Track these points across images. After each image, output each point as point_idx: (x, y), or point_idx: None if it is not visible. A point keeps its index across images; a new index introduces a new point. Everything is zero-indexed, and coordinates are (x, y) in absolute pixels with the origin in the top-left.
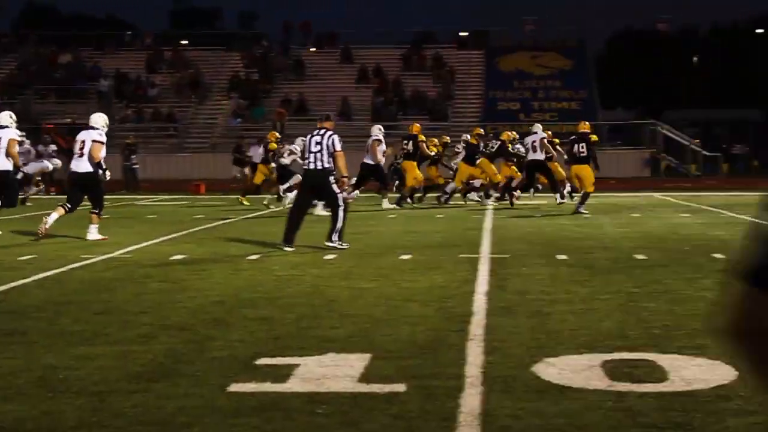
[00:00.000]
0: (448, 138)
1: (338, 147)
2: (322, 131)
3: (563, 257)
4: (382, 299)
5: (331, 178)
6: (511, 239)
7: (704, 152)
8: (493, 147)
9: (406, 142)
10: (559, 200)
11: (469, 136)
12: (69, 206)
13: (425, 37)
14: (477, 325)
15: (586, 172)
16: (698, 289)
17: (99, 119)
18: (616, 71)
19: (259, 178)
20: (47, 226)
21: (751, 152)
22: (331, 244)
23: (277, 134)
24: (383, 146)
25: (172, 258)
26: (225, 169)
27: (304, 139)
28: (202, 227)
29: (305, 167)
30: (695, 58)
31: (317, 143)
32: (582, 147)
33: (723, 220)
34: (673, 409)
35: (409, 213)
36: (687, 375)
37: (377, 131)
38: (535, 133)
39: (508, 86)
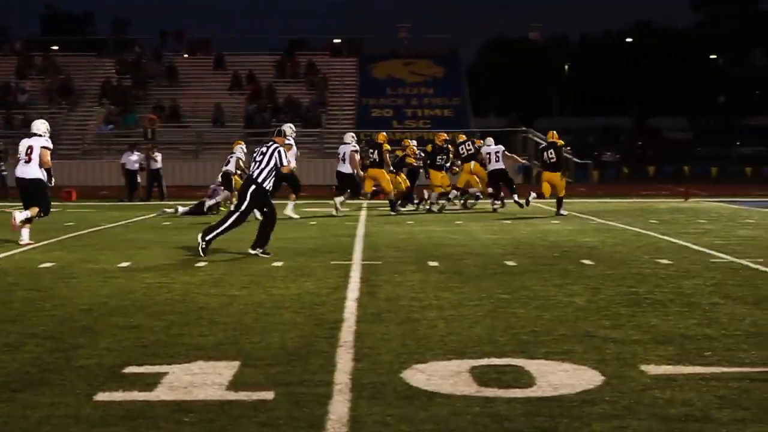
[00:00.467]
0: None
1: (284, 161)
2: (270, 144)
3: (434, 264)
4: (253, 306)
5: (253, 188)
6: (383, 246)
7: (575, 159)
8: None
9: (372, 150)
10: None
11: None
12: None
13: (299, 44)
14: (347, 332)
15: (555, 178)
16: (567, 294)
17: (41, 125)
18: (488, 79)
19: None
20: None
21: (621, 159)
22: (253, 252)
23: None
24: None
25: (40, 266)
26: (97, 175)
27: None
28: (73, 234)
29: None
30: (566, 67)
31: (261, 153)
32: (551, 154)
33: (592, 227)
34: (540, 414)
35: (281, 220)
36: (554, 380)
37: (351, 138)
38: (488, 145)
39: (382, 93)
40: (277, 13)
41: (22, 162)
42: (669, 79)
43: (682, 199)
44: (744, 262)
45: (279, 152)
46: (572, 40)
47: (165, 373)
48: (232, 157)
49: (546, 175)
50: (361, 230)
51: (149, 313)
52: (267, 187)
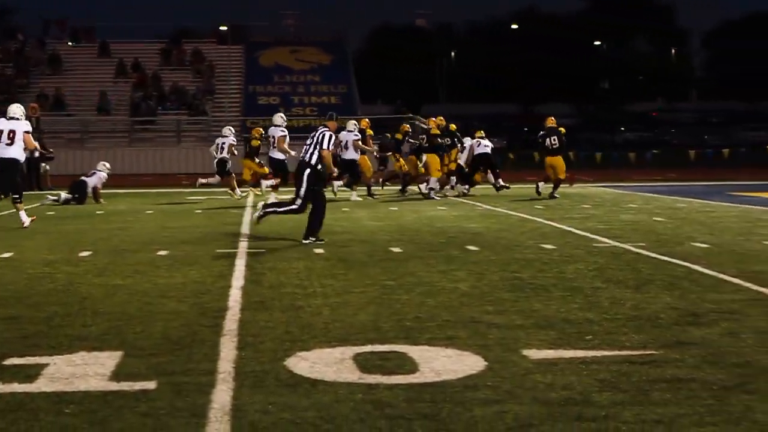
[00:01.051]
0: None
1: (324, 145)
2: (320, 128)
3: (320, 251)
4: (137, 296)
5: (308, 171)
6: (269, 234)
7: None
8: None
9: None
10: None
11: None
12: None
13: (185, 32)
14: (231, 320)
15: (559, 162)
16: (451, 280)
17: (17, 110)
18: (375, 66)
19: (246, 174)
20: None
21: (508, 146)
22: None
23: (261, 130)
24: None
25: None
26: None
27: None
28: None
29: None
30: (453, 53)
31: (311, 137)
32: (554, 140)
33: (478, 213)
34: (422, 400)
35: (167, 209)
36: (437, 366)
37: (353, 126)
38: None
39: (268, 81)
40: (162, 0)
41: (3, 144)
42: (554, 66)
43: (567, 185)
44: (626, 246)
45: (323, 135)
46: (458, 27)
47: (46, 365)
48: (224, 143)
49: (549, 159)
50: (247, 218)
51: (30, 304)
52: (321, 169)
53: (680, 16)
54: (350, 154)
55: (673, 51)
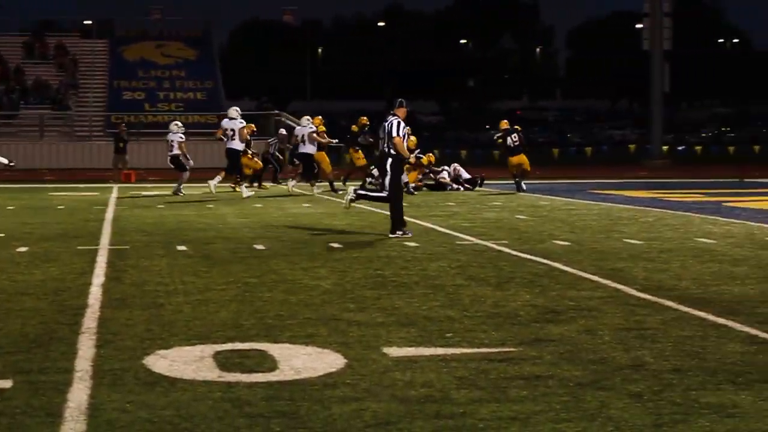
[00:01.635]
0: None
1: (394, 132)
2: (391, 117)
3: (183, 248)
4: None
5: (390, 160)
6: (131, 230)
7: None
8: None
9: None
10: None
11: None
12: None
13: (48, 25)
14: (90, 318)
15: (523, 158)
16: (314, 278)
17: None
18: (242, 61)
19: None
20: None
21: (374, 143)
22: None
23: (253, 126)
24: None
25: None
26: None
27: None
28: None
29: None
30: (320, 50)
31: (383, 128)
32: (515, 138)
33: (342, 210)
34: (281, 398)
35: (28, 204)
36: (297, 364)
37: (307, 122)
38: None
39: (133, 76)
40: None
41: None
42: (421, 63)
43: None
44: (489, 244)
45: (391, 123)
46: (326, 24)
47: None
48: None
49: (514, 158)
50: (109, 214)
51: None
52: (400, 157)
53: (545, 15)
54: (307, 148)
55: (538, 50)
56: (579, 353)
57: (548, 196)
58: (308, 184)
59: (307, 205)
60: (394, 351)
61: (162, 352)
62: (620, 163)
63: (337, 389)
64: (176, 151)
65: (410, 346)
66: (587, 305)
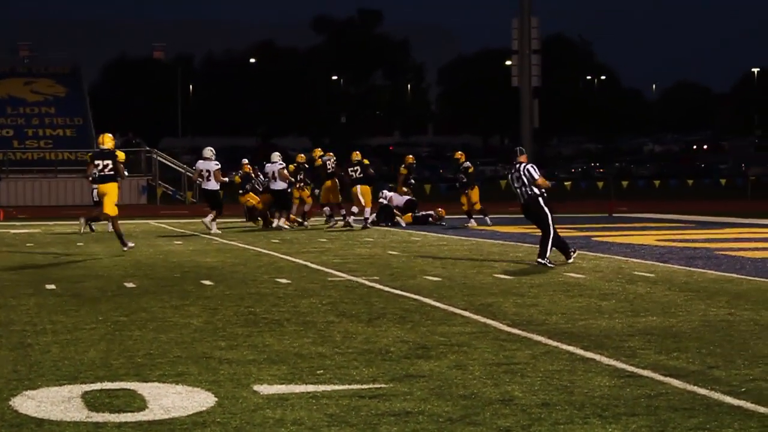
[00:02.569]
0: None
1: (536, 176)
2: (518, 165)
3: (52, 287)
4: None
5: (540, 200)
6: None
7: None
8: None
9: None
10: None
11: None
12: None
13: None
14: None
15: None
16: (184, 315)
17: None
18: (112, 98)
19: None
20: None
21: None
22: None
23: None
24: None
25: None
26: None
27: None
28: None
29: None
30: (191, 86)
31: (517, 178)
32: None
33: (214, 247)
34: None
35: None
36: (166, 403)
37: (277, 158)
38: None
39: (2, 113)
40: None
41: None
42: (292, 99)
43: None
44: (360, 280)
45: (528, 170)
46: (197, 60)
47: None
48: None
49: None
50: None
51: None
52: (545, 195)
53: (416, 52)
54: (279, 185)
55: (409, 86)
56: (449, 388)
57: (420, 232)
58: (284, 220)
59: (179, 242)
60: (265, 389)
61: (29, 392)
62: (491, 198)
63: (207, 428)
64: None
65: (281, 383)
66: (458, 340)
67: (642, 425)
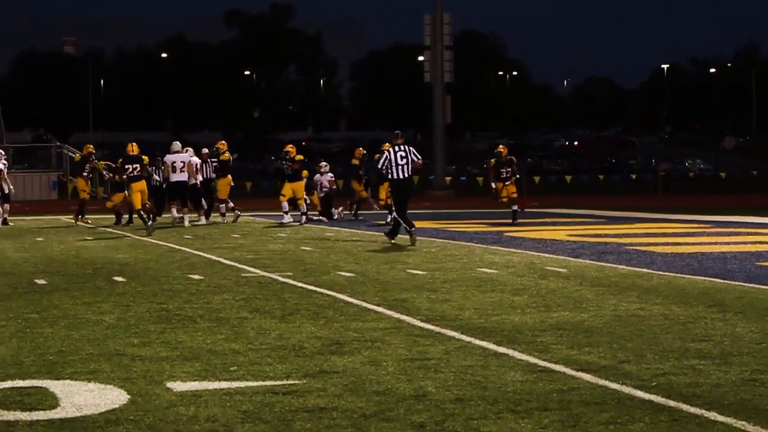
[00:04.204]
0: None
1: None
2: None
3: None
4: None
5: None
6: None
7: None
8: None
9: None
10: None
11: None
12: None
13: None
14: None
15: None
16: (96, 312)
17: None
18: (22, 92)
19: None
20: None
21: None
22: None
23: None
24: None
25: None
26: None
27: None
28: None
29: (393, 177)
30: (102, 81)
31: (402, 157)
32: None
33: (126, 243)
34: None
35: None
36: (78, 401)
37: (178, 146)
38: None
39: None
40: None
41: None
42: (204, 94)
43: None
44: (274, 276)
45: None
46: (108, 54)
47: None
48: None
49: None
50: None
51: None
52: None
53: (328, 47)
54: (181, 176)
55: (322, 81)
56: (363, 384)
57: (334, 228)
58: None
59: (90, 238)
60: (178, 385)
61: None
62: None
63: (119, 426)
64: None
65: (194, 380)
66: (371, 336)
67: (554, 420)
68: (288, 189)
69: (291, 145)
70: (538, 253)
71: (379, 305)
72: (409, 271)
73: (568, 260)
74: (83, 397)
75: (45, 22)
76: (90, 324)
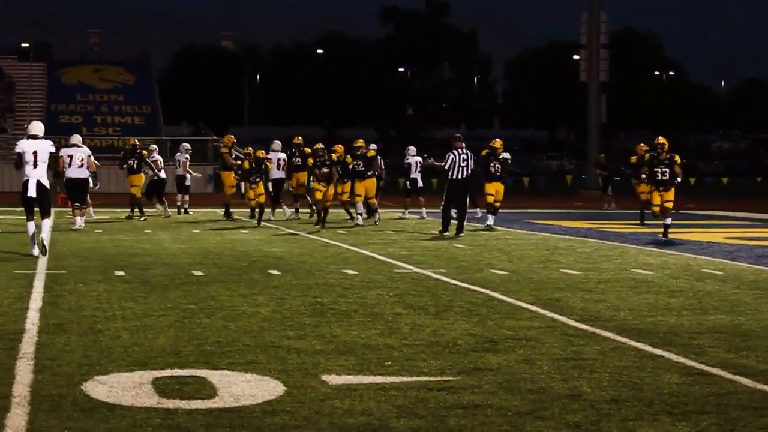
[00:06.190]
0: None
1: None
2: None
3: (121, 273)
4: None
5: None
6: (69, 255)
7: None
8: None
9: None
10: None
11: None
12: None
13: None
14: (28, 343)
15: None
16: (252, 305)
17: None
18: (180, 87)
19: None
20: None
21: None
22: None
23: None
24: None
25: None
26: None
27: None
28: None
29: (453, 177)
30: (258, 76)
31: (464, 159)
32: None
33: (281, 237)
34: (220, 425)
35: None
36: (236, 391)
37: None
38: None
39: (71, 99)
40: None
41: None
42: (359, 91)
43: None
44: (427, 272)
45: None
46: (264, 50)
47: None
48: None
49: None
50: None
51: None
52: None
53: (483, 44)
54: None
55: (476, 78)
56: (517, 383)
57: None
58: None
59: (245, 231)
60: (333, 379)
61: (100, 377)
62: (557, 193)
63: (276, 417)
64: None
65: (349, 374)
66: (525, 335)
67: (711, 423)
68: (360, 188)
69: (361, 140)
70: (694, 255)
71: (532, 304)
72: (562, 270)
73: (725, 263)
74: (240, 387)
75: (202, 18)
76: (246, 316)
